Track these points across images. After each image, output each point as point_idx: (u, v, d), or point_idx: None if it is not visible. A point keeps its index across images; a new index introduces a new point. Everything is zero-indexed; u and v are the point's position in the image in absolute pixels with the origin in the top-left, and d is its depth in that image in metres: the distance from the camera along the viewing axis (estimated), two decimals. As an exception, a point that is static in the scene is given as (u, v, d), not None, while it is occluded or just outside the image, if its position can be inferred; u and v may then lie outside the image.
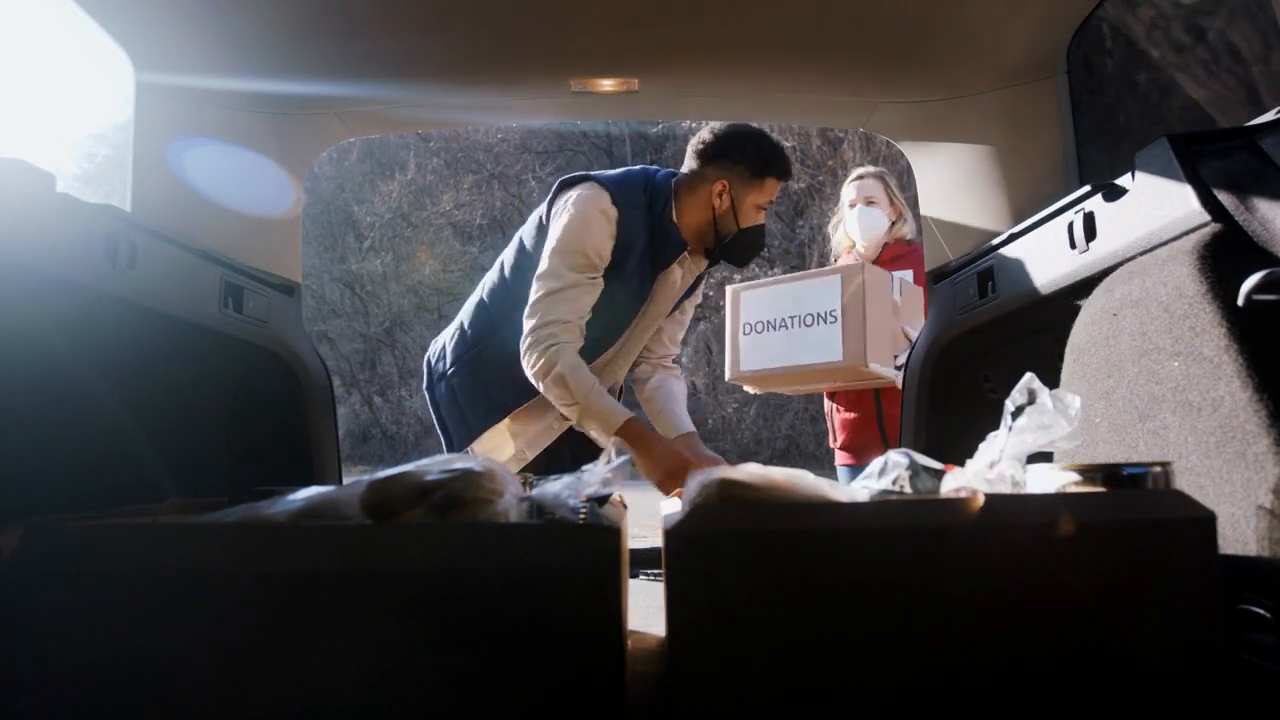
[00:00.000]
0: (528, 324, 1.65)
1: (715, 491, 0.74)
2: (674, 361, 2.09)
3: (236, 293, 1.58)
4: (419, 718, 0.66)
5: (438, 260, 16.68)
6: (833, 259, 2.66)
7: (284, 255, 1.80)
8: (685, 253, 1.80)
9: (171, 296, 1.39)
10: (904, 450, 0.91)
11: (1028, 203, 1.58)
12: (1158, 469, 0.79)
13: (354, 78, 1.67)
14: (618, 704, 0.67)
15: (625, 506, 1.11)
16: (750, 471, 0.76)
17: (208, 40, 1.51)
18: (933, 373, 1.77)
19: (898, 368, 1.97)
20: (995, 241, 1.52)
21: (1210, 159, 1.00)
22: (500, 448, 1.82)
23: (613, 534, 0.71)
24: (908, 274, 2.37)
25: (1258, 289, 0.85)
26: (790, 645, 0.67)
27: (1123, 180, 1.13)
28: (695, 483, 0.76)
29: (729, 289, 2.19)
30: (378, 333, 16.99)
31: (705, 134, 1.78)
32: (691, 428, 1.98)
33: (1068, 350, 1.20)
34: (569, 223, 1.68)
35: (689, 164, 1.79)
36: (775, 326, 2.08)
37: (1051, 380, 0.95)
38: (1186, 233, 0.99)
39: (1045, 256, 1.33)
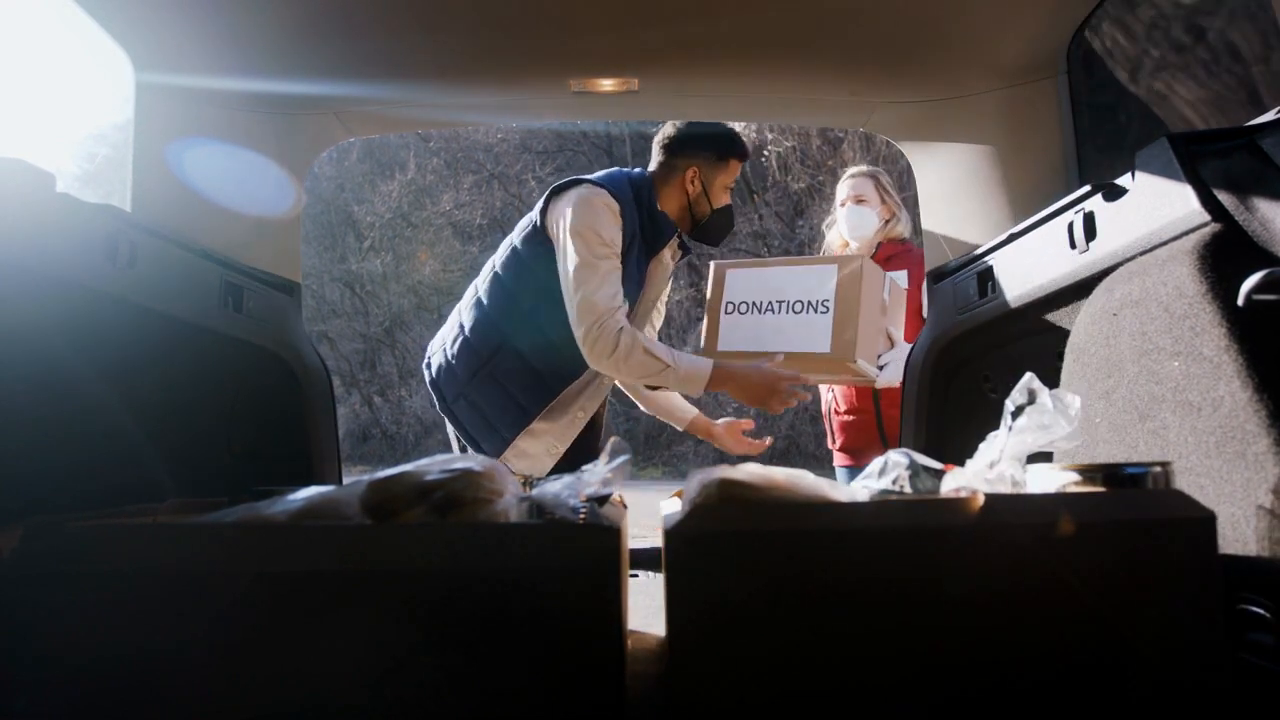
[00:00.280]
0: (584, 321, 1.74)
1: (715, 491, 0.74)
2: None
3: (236, 293, 1.58)
4: (419, 718, 0.66)
5: (438, 260, 16.68)
6: None
7: (284, 255, 1.80)
8: (676, 237, 1.97)
9: (171, 296, 1.39)
10: (904, 450, 0.91)
11: (1028, 203, 1.58)
12: (1158, 469, 0.79)
13: (354, 78, 1.67)
14: (618, 704, 0.67)
15: (625, 506, 1.11)
16: (750, 471, 0.76)
17: (208, 40, 1.51)
18: (933, 373, 1.77)
19: (879, 367, 1.98)
20: (995, 241, 1.52)
21: (1210, 159, 1.00)
22: (531, 446, 1.88)
23: (613, 534, 0.71)
24: (902, 274, 2.36)
25: (1258, 289, 0.85)
26: (790, 645, 0.67)
27: (1123, 180, 1.13)
28: (695, 482, 0.76)
29: (714, 264, 2.11)
30: (378, 333, 17.00)
31: (668, 129, 1.95)
32: (695, 410, 2.18)
33: (1068, 350, 1.20)
34: (582, 219, 1.76)
35: (658, 158, 1.95)
36: (761, 309, 2.01)
37: (1051, 380, 0.95)
38: (1186, 233, 0.99)
39: (1045, 256, 1.33)
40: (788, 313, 1.96)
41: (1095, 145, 1.58)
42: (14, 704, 0.65)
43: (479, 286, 1.94)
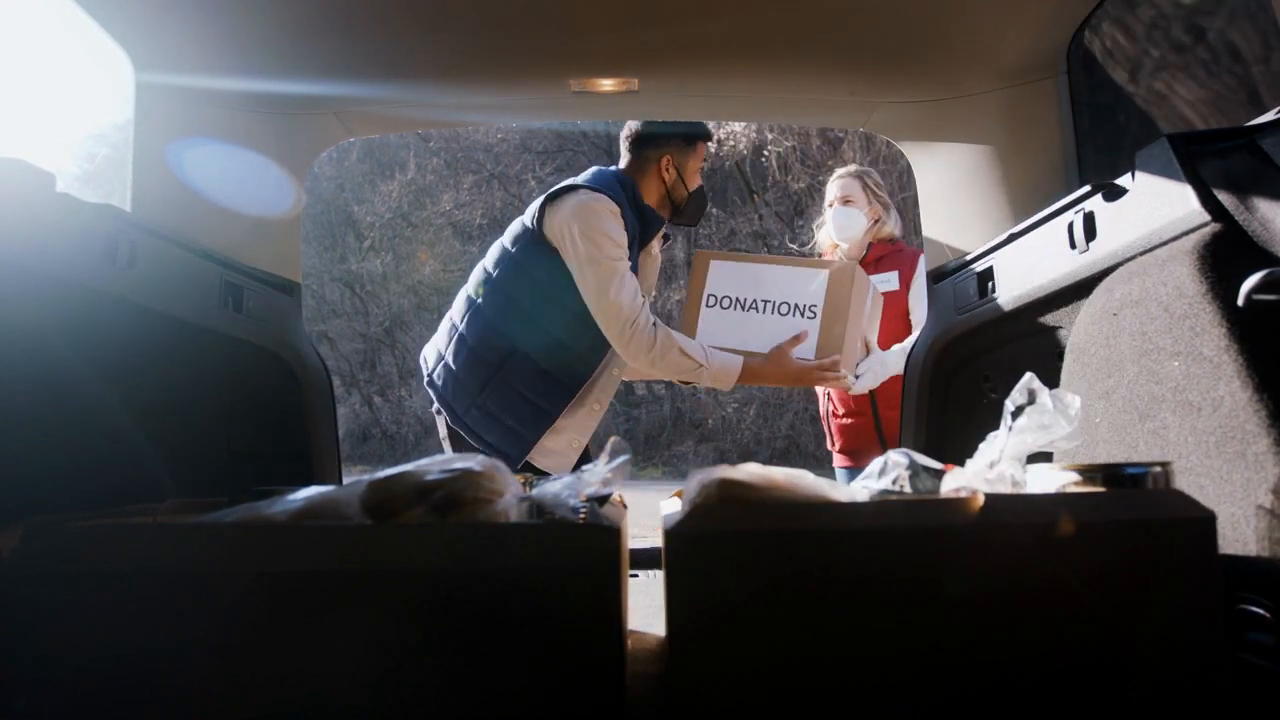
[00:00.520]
0: (616, 323, 1.81)
1: (715, 491, 0.74)
2: None
3: (236, 293, 1.58)
4: (419, 718, 0.66)
5: (438, 260, 16.66)
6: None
7: (284, 255, 1.80)
8: (665, 227, 2.06)
9: (171, 296, 1.39)
10: (904, 450, 0.91)
11: (1028, 203, 1.58)
12: (1158, 469, 0.79)
13: (354, 78, 1.67)
14: (618, 704, 0.67)
15: (625, 506, 1.11)
16: (750, 471, 0.76)
17: (208, 40, 1.51)
18: (933, 373, 1.77)
19: (856, 377, 2.03)
20: (995, 241, 1.52)
21: (1210, 159, 1.00)
22: (556, 443, 1.91)
23: (613, 534, 0.71)
24: (893, 275, 2.37)
25: (1258, 289, 0.85)
26: (790, 645, 0.67)
27: (1123, 180, 1.13)
28: (695, 482, 0.76)
29: (698, 252, 2.08)
30: (378, 333, 16.98)
31: (633, 124, 2.01)
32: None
33: (1068, 350, 1.20)
34: (593, 225, 1.80)
35: (629, 154, 2.01)
36: (745, 306, 1.97)
37: (1051, 380, 0.95)
38: (1186, 233, 0.99)
39: (1045, 256, 1.33)
40: (773, 313, 1.93)
41: (1095, 145, 1.58)
42: (14, 704, 0.65)
43: (472, 294, 1.93)
